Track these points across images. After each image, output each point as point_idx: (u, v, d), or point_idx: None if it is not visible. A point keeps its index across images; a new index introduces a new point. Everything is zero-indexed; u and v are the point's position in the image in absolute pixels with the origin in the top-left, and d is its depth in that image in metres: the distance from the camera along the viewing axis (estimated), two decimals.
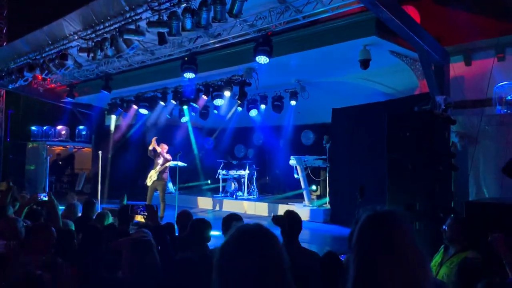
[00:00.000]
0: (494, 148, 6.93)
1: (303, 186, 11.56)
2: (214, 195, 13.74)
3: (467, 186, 7.08)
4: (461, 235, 3.76)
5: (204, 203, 13.26)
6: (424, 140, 6.13)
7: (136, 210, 4.56)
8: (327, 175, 11.36)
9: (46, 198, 5.22)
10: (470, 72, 7.92)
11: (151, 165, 13.20)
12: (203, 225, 3.76)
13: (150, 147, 10.69)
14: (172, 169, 12.18)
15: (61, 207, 6.05)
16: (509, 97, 7.32)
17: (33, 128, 17.09)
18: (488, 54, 7.65)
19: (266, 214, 11.36)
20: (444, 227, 3.87)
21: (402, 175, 6.20)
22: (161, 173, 10.56)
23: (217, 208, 12.77)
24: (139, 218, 5.05)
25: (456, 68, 7.86)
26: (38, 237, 3.47)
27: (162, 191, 10.55)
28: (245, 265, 1.21)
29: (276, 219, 3.66)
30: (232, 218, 3.92)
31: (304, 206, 11.25)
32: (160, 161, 10.62)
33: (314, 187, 11.86)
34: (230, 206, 12.37)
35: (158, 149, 10.56)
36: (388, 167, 6.41)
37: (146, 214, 4.39)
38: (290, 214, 3.75)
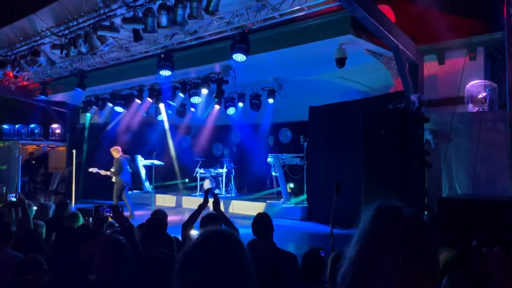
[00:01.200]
0: (466, 145, 7.10)
1: (280, 184, 11.60)
2: (192, 194, 13.65)
3: (440, 183, 7.23)
4: (435, 232, 3.81)
5: (181, 201, 13.17)
6: (399, 138, 6.24)
7: (102, 211, 4.47)
8: (304, 172, 11.44)
9: (15, 199, 5.10)
10: (443, 71, 8.09)
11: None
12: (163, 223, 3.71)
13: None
14: (149, 168, 12.05)
15: (35, 208, 5.93)
16: (480, 96, 7.50)
17: (4, 126, 16.63)
18: (461, 53, 7.83)
19: (245, 213, 11.36)
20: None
21: (377, 172, 6.29)
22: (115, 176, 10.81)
23: (195, 206, 12.66)
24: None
25: (430, 66, 8.01)
26: None
27: (118, 190, 10.74)
28: (207, 270, 1.22)
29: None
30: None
31: (281, 203, 11.29)
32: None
33: (291, 185, 11.92)
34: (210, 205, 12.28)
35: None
36: (363, 164, 6.49)
37: (111, 214, 4.31)
38: (261, 215, 3.79)
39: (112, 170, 10.72)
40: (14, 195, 5.44)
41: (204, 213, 4.01)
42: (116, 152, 10.85)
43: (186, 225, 3.82)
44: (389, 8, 7.72)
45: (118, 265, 2.73)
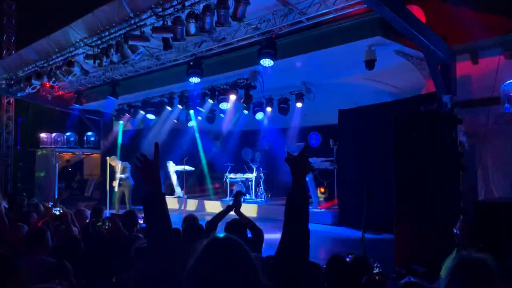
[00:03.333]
0: (503, 147, 6.86)
1: (310, 188, 11.52)
2: (222, 199, 13.74)
3: (476, 186, 7.01)
4: (472, 237, 3.69)
5: (212, 206, 13.27)
6: (431, 140, 6.08)
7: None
8: (335, 176, 11.32)
9: (59, 212, 5.34)
10: (477, 71, 7.84)
11: (159, 169, 13.14)
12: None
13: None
14: (180, 174, 12.25)
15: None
16: None
17: (42, 135, 17.25)
18: (495, 52, 7.57)
19: (275, 217, 11.33)
20: (454, 230, 3.80)
21: (409, 175, 6.15)
22: None
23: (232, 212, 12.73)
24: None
25: (463, 66, 7.79)
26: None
27: (130, 193, 11.70)
28: (214, 277, 1.30)
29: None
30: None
31: (312, 208, 11.21)
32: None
33: (322, 189, 11.82)
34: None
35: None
36: (395, 167, 6.36)
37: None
38: None
39: (122, 175, 11.16)
40: (58, 209, 5.65)
41: (229, 218, 4.03)
42: (116, 160, 11.45)
43: (209, 224, 3.85)
44: (419, 8, 7.57)
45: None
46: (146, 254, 2.80)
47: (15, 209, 6.47)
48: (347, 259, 3.43)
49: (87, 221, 5.84)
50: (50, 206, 6.72)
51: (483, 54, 7.77)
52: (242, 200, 4.14)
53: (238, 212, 4.03)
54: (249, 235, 3.96)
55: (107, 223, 4.67)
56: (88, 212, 6.17)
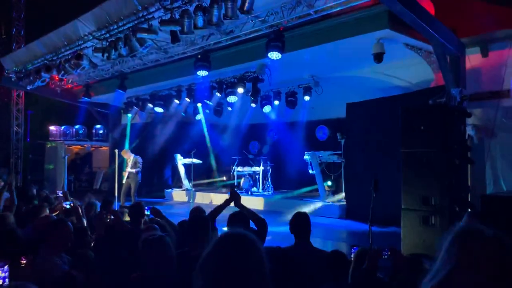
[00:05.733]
0: None
1: (318, 182, 11.52)
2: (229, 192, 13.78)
3: (484, 180, 6.97)
4: None
5: (220, 199, 13.31)
6: (440, 134, 6.05)
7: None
8: (342, 170, 11.31)
9: (70, 206, 5.44)
10: (486, 64, 7.77)
11: (167, 162, 13.56)
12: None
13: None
14: (188, 166, 12.31)
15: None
16: None
17: (51, 128, 17.39)
18: (505, 44, 7.49)
19: (282, 210, 11.37)
20: (461, 223, 3.79)
21: (417, 169, 6.14)
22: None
23: (232, 204, 12.79)
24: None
25: (472, 59, 7.72)
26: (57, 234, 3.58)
27: (136, 186, 11.93)
28: (223, 269, 1.32)
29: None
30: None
31: (319, 201, 11.22)
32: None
33: (329, 183, 11.82)
34: (245, 202, 12.36)
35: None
36: (403, 161, 6.35)
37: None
38: (300, 215, 3.77)
39: (132, 170, 11.29)
40: (69, 202, 5.73)
41: (231, 211, 4.05)
42: (128, 153, 11.53)
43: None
44: (428, 0, 7.50)
45: (161, 262, 2.79)
46: (152, 246, 2.84)
47: (26, 202, 6.57)
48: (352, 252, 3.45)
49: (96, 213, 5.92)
50: (59, 195, 6.82)
51: (493, 47, 7.69)
52: (235, 191, 4.18)
53: (238, 204, 4.05)
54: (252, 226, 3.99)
55: (108, 216, 4.73)
56: (99, 205, 6.24)
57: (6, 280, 2.82)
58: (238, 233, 1.44)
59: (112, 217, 4.60)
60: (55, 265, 3.33)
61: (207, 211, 4.31)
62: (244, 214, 3.95)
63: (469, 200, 6.37)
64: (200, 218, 3.70)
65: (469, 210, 5.93)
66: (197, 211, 4.70)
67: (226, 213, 4.10)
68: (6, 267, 2.84)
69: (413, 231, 6.10)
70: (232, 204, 4.10)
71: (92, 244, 4.37)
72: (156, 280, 2.74)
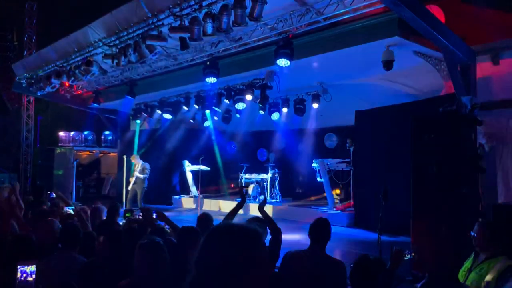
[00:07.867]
0: None
1: (326, 189, 11.45)
2: (237, 199, 13.74)
3: (496, 189, 6.87)
4: (490, 241, 3.60)
5: (227, 206, 13.28)
6: (450, 142, 5.99)
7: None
8: (351, 178, 11.23)
9: (73, 211, 5.43)
10: (498, 72, 7.69)
11: (175, 169, 13.61)
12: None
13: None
14: (195, 173, 12.31)
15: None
16: None
17: (60, 133, 17.51)
18: None
19: (289, 218, 11.30)
20: (472, 233, 3.72)
21: (427, 177, 6.06)
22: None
23: (240, 211, 12.75)
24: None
25: (483, 67, 7.64)
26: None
27: (143, 192, 12.16)
28: (219, 259, 1.28)
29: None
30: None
31: (327, 210, 11.14)
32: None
33: (337, 191, 11.74)
34: (253, 209, 12.35)
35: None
36: (413, 169, 6.28)
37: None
38: (321, 222, 3.73)
39: (140, 175, 11.36)
40: (72, 207, 5.72)
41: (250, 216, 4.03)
42: (137, 159, 11.72)
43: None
44: (439, 8, 7.46)
45: (154, 267, 2.77)
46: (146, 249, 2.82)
47: (37, 206, 6.58)
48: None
49: (103, 218, 5.91)
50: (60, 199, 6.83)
51: (504, 55, 7.62)
52: (250, 197, 4.21)
53: (261, 209, 4.05)
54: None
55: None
56: (105, 210, 6.22)
57: (33, 275, 2.89)
58: (236, 224, 1.40)
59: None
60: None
61: (215, 218, 4.30)
62: (261, 219, 3.92)
63: (480, 209, 6.27)
64: (203, 221, 3.71)
65: (480, 219, 5.84)
66: (204, 216, 4.70)
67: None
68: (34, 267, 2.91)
69: (423, 241, 6.01)
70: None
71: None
72: (146, 286, 2.72)
